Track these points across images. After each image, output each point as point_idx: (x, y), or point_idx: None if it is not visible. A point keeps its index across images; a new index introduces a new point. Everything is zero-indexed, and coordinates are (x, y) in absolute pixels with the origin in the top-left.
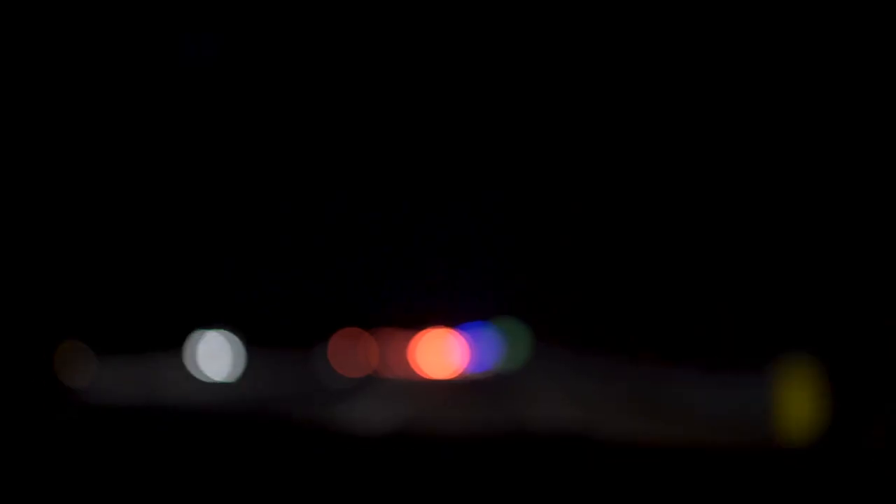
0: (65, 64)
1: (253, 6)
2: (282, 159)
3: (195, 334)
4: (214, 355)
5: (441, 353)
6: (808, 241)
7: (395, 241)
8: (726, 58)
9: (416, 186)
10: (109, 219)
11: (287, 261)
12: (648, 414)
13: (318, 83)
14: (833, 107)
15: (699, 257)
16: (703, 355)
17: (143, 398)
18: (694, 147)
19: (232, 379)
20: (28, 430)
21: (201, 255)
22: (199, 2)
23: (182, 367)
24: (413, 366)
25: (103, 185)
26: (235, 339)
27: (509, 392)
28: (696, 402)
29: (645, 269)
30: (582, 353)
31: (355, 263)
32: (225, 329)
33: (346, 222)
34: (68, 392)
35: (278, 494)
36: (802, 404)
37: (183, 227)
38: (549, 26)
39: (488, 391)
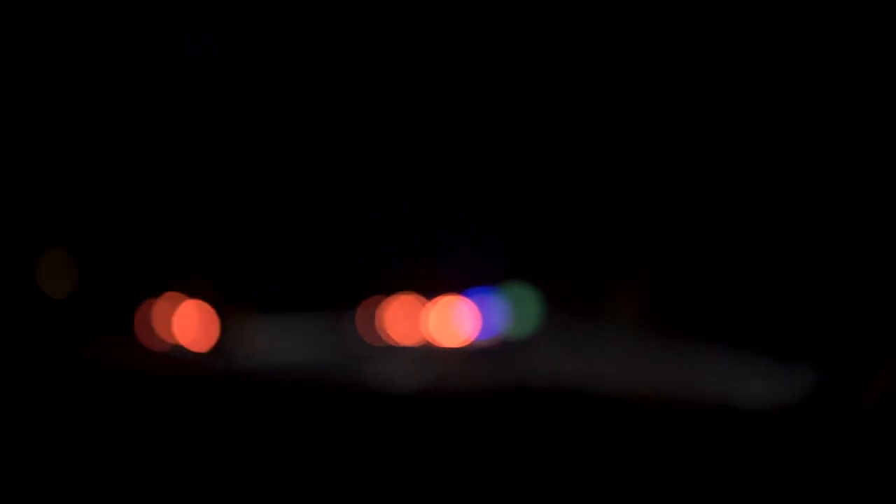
0: (64, 63)
1: (253, 6)
2: (282, 154)
3: None
4: None
5: (451, 322)
6: (807, 237)
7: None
8: (730, 55)
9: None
10: (109, 218)
11: (306, 238)
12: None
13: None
14: (833, 107)
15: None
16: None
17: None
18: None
19: None
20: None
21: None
22: (199, 2)
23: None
24: (425, 334)
25: (102, 184)
26: None
27: (517, 358)
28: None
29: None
30: (595, 321)
31: (370, 233)
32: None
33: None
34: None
35: (311, 447)
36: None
37: (184, 226)
38: (549, 26)
39: (496, 358)
